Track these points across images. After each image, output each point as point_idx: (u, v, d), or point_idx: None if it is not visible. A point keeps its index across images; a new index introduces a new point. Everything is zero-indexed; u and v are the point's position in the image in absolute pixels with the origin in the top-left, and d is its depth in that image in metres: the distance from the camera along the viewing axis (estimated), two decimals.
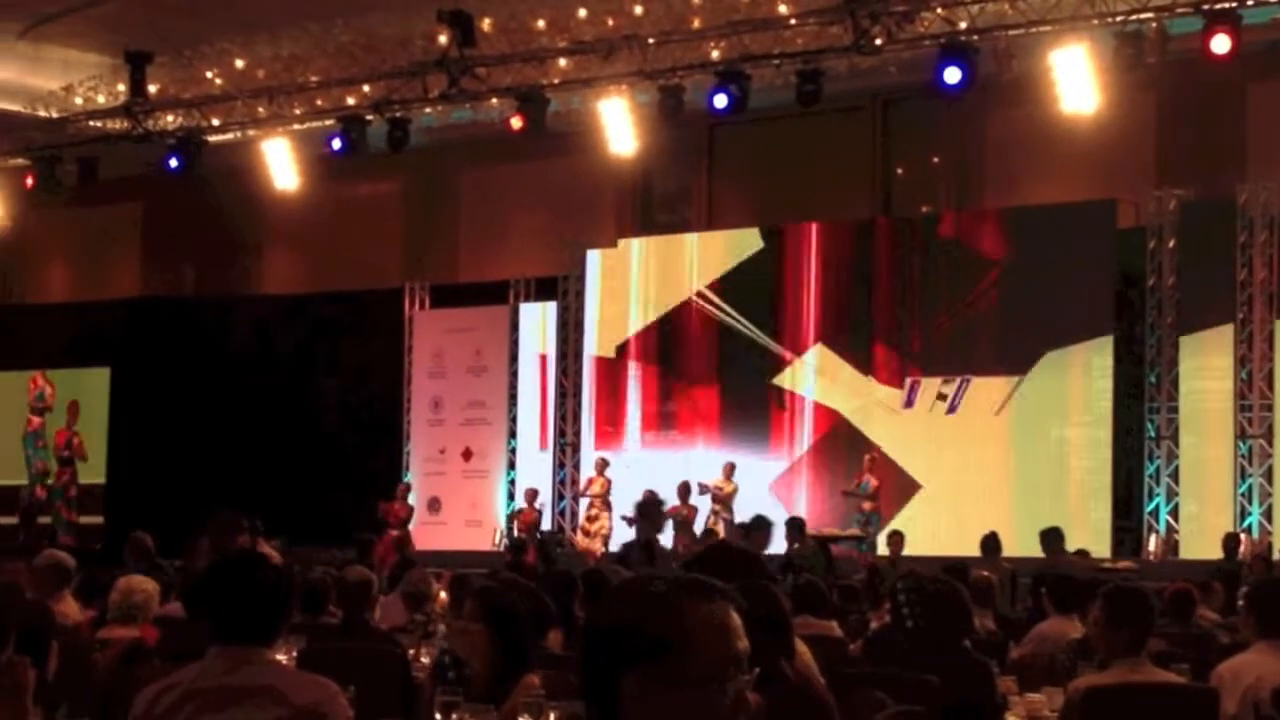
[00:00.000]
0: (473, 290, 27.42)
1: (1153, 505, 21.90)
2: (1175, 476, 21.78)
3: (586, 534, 24.05)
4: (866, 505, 22.57)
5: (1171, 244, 22.11)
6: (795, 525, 20.18)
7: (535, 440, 26.68)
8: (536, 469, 26.36)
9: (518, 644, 5.90)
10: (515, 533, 24.54)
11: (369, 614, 10.35)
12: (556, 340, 26.48)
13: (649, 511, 20.38)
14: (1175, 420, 21.87)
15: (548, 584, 10.07)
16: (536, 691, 5.68)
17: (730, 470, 23.39)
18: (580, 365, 26.18)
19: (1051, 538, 17.94)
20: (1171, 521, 21.72)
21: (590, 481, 24.67)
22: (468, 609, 6.01)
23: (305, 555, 19.54)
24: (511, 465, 26.76)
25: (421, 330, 27.79)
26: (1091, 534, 21.34)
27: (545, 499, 25.45)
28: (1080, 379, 22.42)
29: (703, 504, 23.10)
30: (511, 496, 26.56)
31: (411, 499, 25.91)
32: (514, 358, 26.85)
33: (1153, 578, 16.62)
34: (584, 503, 24.81)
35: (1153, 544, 21.64)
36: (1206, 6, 18.42)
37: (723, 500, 23.04)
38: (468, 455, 26.94)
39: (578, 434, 26.14)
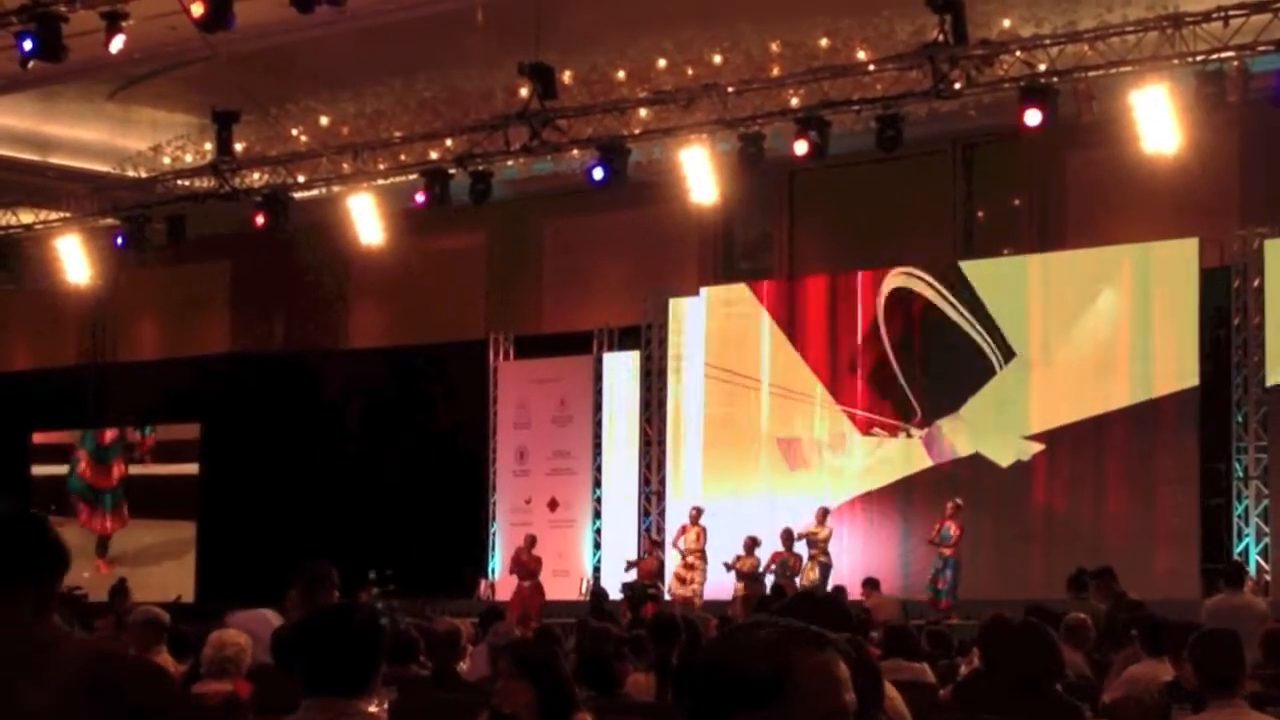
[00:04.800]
0: (556, 341, 27.53)
1: (1241, 546, 21.67)
2: (1265, 517, 21.54)
3: (682, 582, 23.77)
4: (946, 551, 22.45)
5: (1256, 283, 21.94)
6: (871, 584, 20.53)
7: (622, 489, 26.74)
8: (621, 518, 26.40)
9: (559, 689, 6.12)
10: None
11: (458, 665, 10.43)
12: (640, 389, 26.56)
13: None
14: (1264, 460, 21.65)
15: (649, 631, 10.21)
16: None
17: (823, 515, 23.34)
18: (664, 414, 26.22)
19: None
20: (1261, 562, 21.48)
21: (684, 530, 24.23)
22: (503, 667, 6.25)
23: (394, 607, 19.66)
24: (597, 514, 26.78)
25: (506, 381, 27.91)
26: (1180, 575, 21.13)
27: (630, 549, 25.44)
28: (1166, 418, 22.24)
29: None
30: (598, 545, 26.58)
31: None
32: (598, 407, 26.92)
33: None
34: (674, 551, 24.71)
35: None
36: None
37: (819, 545, 23.05)
38: (554, 505, 26.97)
39: (663, 482, 26.15)
